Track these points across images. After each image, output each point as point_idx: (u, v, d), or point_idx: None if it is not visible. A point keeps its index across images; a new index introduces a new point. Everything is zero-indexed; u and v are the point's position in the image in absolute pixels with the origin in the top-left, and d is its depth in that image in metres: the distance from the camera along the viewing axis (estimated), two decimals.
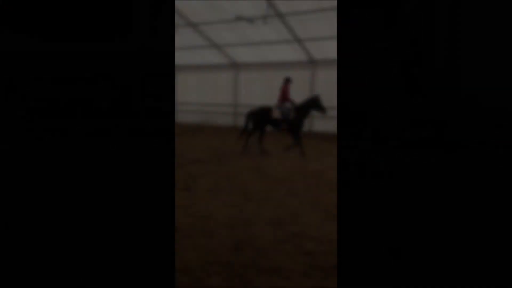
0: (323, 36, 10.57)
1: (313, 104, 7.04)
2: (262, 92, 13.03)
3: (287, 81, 7.27)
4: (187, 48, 13.27)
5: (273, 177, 4.93)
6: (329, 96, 11.41)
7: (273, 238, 2.73)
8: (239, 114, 13.71)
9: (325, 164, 6.03)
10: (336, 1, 8.86)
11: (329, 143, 8.99)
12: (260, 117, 7.04)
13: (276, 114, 6.94)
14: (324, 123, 11.65)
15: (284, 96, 7.11)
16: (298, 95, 12.11)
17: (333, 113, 11.22)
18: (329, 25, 9.98)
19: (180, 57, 13.65)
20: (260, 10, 9.88)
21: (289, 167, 5.68)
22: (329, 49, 11.15)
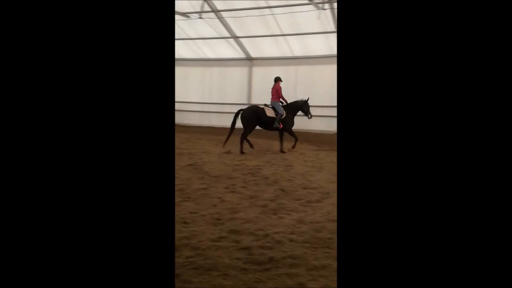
0: (259, 34, 10.73)
1: (303, 106, 7.35)
2: (198, 89, 12.85)
3: (279, 79, 7.38)
4: None
5: (212, 175, 4.89)
6: (265, 94, 11.65)
7: (210, 235, 2.71)
8: (177, 111, 13.35)
9: (263, 160, 6.14)
10: (270, 1, 9.04)
11: (267, 140, 9.17)
12: (253, 117, 6.97)
13: (270, 113, 7.05)
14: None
15: (279, 95, 7.28)
16: (235, 93, 12.18)
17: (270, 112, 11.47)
18: (264, 23, 10.15)
19: None
20: (196, 5, 9.71)
21: (228, 164, 5.69)
22: (265, 47, 11.35)
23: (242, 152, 6.76)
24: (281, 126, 7.09)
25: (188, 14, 9.94)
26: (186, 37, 11.58)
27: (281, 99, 7.36)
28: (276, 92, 7.26)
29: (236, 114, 7.18)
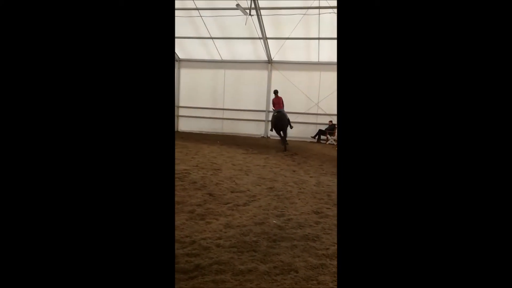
0: (187, 36, 10.55)
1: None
2: None
3: (277, 91, 8.78)
4: None
5: None
6: (194, 94, 11.50)
7: None
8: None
9: (191, 164, 6.05)
10: (198, 3, 8.97)
11: (198, 143, 9.05)
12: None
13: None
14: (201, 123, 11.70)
15: (283, 104, 8.65)
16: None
17: (197, 112, 11.31)
18: (193, 25, 10.02)
19: None
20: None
21: None
22: (192, 49, 11.19)
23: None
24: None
25: None
26: None
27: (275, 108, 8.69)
28: (281, 102, 8.64)
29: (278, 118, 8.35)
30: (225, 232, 2.96)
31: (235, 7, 8.30)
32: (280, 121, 8.28)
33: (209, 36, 10.30)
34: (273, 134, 9.55)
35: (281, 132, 8.38)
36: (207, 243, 2.70)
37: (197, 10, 9.33)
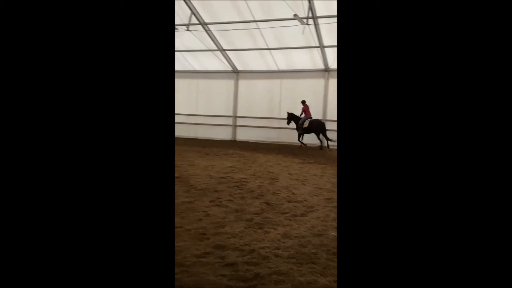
0: (244, 48, 10.85)
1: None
2: (185, 100, 12.86)
3: (305, 102, 10.60)
4: None
5: (197, 188, 4.86)
6: (250, 104, 11.78)
7: (196, 251, 2.69)
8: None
9: (249, 173, 6.15)
10: (254, 14, 9.19)
11: (254, 152, 9.20)
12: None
13: (306, 124, 10.37)
14: (248, 133, 11.93)
15: (307, 113, 10.51)
16: (221, 105, 12.21)
17: (253, 122, 11.56)
18: (249, 37, 10.29)
19: None
20: (183, 18, 9.78)
21: (214, 177, 5.67)
22: (250, 61, 11.48)
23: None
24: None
25: (176, 27, 9.98)
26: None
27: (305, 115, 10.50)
28: (307, 110, 10.46)
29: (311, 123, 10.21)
30: (283, 243, 2.96)
31: (293, 17, 8.37)
32: (321, 125, 10.14)
33: (266, 47, 10.48)
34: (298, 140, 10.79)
35: (320, 135, 10.21)
36: (265, 252, 2.71)
37: (255, 23, 9.56)
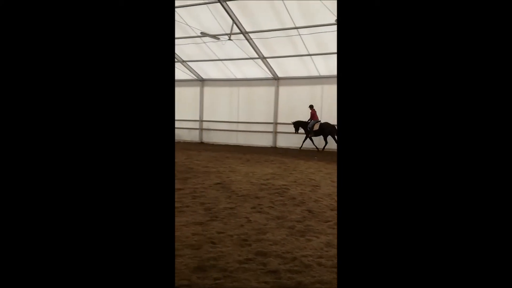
0: (284, 55, 10.88)
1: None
2: (226, 108, 13.14)
3: (312, 106, 11.13)
4: None
5: (239, 194, 4.91)
6: (291, 111, 11.76)
7: (238, 257, 2.71)
8: (204, 130, 13.63)
9: (290, 180, 6.11)
10: (295, 22, 9.19)
11: (295, 159, 9.14)
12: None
13: (316, 127, 10.93)
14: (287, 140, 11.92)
15: (315, 117, 11.03)
16: (262, 112, 12.29)
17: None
18: (290, 44, 10.30)
19: None
20: (225, 27, 10.03)
21: (255, 183, 5.70)
22: (290, 67, 11.48)
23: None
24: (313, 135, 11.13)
25: (218, 36, 10.26)
26: (216, 58, 11.92)
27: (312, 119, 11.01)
28: (315, 114, 11.01)
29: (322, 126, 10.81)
30: (326, 251, 2.89)
31: (334, 22, 8.26)
32: (331, 128, 10.57)
33: (307, 53, 10.43)
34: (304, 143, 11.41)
35: (328, 137, 10.77)
36: (308, 260, 2.66)
37: (296, 29, 9.56)
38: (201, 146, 12.57)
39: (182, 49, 11.77)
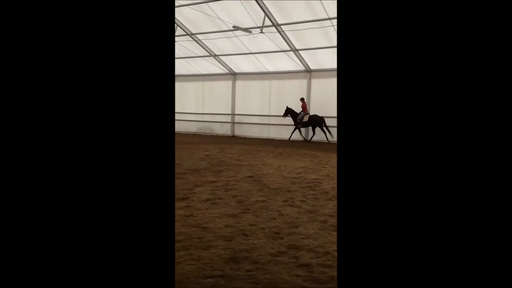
0: (317, 46, 10.68)
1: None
2: (258, 101, 13.14)
3: (303, 99, 11.90)
4: (184, 58, 13.33)
5: (270, 187, 4.93)
6: (324, 103, 11.59)
7: (270, 249, 2.72)
8: (236, 123, 13.74)
9: (322, 174, 6.03)
10: (328, 12, 8.97)
11: (328, 153, 9.01)
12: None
13: (306, 118, 11.78)
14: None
15: (305, 109, 11.90)
16: (294, 105, 12.20)
17: (327, 121, 11.35)
18: (323, 35, 10.09)
19: (178, 67, 13.72)
20: (257, 20, 9.99)
21: (287, 177, 5.69)
22: (323, 59, 11.25)
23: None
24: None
25: (250, 29, 10.25)
26: (248, 51, 11.93)
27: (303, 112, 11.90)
28: (306, 107, 11.88)
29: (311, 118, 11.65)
30: None
31: None
32: (320, 119, 11.45)
33: None
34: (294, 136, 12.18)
35: (316, 128, 11.68)
36: None
37: (329, 20, 9.35)
38: (233, 139, 12.69)
39: (214, 43, 11.89)
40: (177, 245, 2.72)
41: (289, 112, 11.89)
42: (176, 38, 11.48)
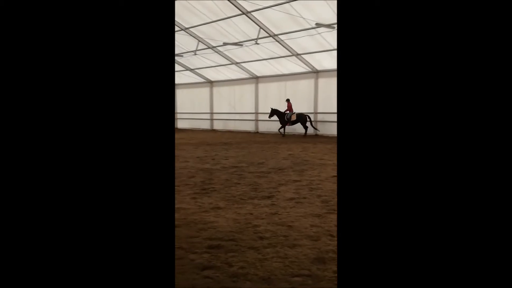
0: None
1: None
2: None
3: (289, 100, 13.36)
4: (267, 58, 13.63)
5: None
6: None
7: None
8: (320, 121, 13.57)
9: None
10: None
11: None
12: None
13: (294, 117, 13.18)
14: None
15: (291, 109, 13.27)
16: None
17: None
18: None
19: (261, 67, 14.09)
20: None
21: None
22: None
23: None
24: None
25: (334, 25, 10.03)
26: (331, 48, 11.72)
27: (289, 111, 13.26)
28: (291, 107, 13.27)
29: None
30: None
31: None
32: (305, 117, 13.01)
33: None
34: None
35: (304, 124, 13.02)
36: None
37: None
38: (316, 138, 12.52)
39: (298, 42, 11.89)
40: (263, 242, 2.79)
41: (274, 113, 13.35)
42: (259, 40, 11.79)
